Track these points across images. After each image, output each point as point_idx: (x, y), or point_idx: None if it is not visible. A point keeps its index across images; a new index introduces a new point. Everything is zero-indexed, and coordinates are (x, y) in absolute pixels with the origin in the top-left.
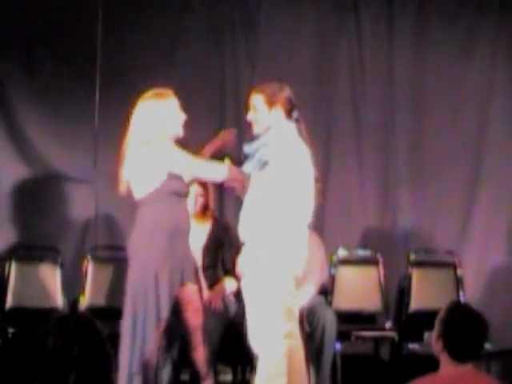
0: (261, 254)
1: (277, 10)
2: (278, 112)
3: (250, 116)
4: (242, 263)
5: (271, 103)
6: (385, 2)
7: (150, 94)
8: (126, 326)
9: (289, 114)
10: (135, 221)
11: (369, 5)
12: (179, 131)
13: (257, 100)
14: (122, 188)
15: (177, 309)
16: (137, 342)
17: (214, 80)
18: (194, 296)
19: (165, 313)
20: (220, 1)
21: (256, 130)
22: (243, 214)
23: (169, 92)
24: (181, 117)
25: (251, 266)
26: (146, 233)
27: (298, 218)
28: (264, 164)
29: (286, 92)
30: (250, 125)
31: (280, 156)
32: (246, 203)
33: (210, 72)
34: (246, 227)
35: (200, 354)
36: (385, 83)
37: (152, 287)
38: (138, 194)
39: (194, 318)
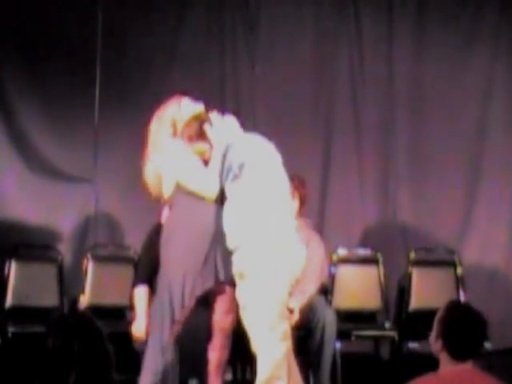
0: (257, 256)
1: (277, 10)
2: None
3: (203, 157)
4: (241, 266)
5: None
6: (385, 2)
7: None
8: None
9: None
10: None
11: (369, 5)
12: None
13: (202, 146)
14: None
15: (205, 308)
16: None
17: (214, 80)
18: (226, 297)
19: (177, 317)
20: (220, 1)
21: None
22: (230, 224)
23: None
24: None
25: (249, 269)
26: (166, 236)
27: (284, 212)
28: (240, 166)
29: (198, 120)
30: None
31: (252, 153)
32: (227, 213)
33: (210, 72)
34: (237, 235)
35: (216, 357)
36: (385, 83)
37: (167, 291)
38: (166, 193)
39: (221, 320)
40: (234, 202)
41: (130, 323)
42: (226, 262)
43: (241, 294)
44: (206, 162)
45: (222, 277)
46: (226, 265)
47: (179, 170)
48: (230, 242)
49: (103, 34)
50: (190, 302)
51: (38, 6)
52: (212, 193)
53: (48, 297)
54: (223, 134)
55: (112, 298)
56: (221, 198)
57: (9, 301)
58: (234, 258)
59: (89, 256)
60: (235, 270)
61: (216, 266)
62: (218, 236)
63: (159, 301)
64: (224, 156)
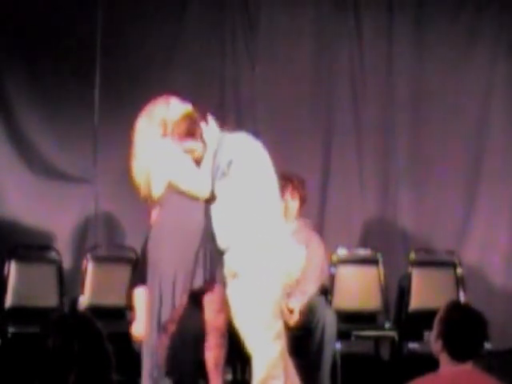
0: (250, 255)
1: (277, 9)
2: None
3: (193, 156)
4: (233, 265)
5: (202, 137)
6: (385, 2)
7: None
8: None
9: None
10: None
11: (369, 5)
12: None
13: (192, 144)
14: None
15: (198, 307)
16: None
17: (213, 80)
18: (217, 296)
19: (166, 316)
20: (220, 1)
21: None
22: (220, 223)
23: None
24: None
25: (241, 269)
26: (155, 235)
27: (274, 211)
28: (229, 163)
29: (188, 118)
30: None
31: (240, 151)
32: (216, 213)
33: (210, 72)
34: (228, 234)
35: (213, 356)
36: (385, 83)
37: (158, 291)
38: (157, 193)
39: (214, 319)
40: (222, 201)
41: (129, 323)
42: (214, 262)
43: (233, 293)
44: (196, 161)
45: (208, 276)
46: (214, 264)
47: (171, 170)
48: (221, 242)
49: (103, 34)
50: (181, 301)
51: (38, 5)
52: (205, 192)
53: (48, 297)
54: (215, 134)
55: (112, 299)
56: (211, 198)
57: (9, 301)
58: (226, 258)
59: (88, 256)
60: (227, 269)
61: (205, 266)
62: (208, 235)
63: (151, 301)
64: (214, 155)
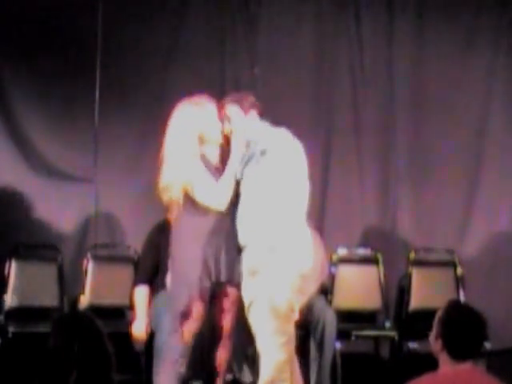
0: (271, 252)
1: (277, 9)
2: (253, 115)
3: (228, 127)
4: (253, 262)
5: (246, 109)
6: (385, 2)
7: (187, 102)
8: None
9: (260, 115)
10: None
11: (369, 5)
12: (218, 138)
13: (231, 110)
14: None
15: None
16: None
17: (214, 80)
18: (226, 298)
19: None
20: (220, 1)
21: (233, 141)
22: (242, 218)
23: (205, 100)
24: (217, 124)
25: (263, 265)
26: (174, 241)
27: (299, 210)
28: (262, 152)
29: (251, 97)
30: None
31: (277, 144)
32: (242, 208)
33: (210, 72)
34: (249, 229)
35: (220, 355)
36: (385, 83)
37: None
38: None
39: (221, 319)
40: (249, 195)
41: (130, 323)
42: (230, 263)
43: (250, 291)
44: (228, 137)
45: (223, 277)
46: (229, 265)
47: (194, 186)
48: (242, 238)
49: (103, 33)
50: (198, 298)
51: (38, 5)
52: (222, 205)
53: (48, 297)
54: (253, 125)
55: (112, 298)
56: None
57: (9, 301)
58: (246, 255)
59: (89, 256)
60: (247, 266)
61: (219, 266)
62: (225, 236)
63: (169, 296)
64: (248, 144)
